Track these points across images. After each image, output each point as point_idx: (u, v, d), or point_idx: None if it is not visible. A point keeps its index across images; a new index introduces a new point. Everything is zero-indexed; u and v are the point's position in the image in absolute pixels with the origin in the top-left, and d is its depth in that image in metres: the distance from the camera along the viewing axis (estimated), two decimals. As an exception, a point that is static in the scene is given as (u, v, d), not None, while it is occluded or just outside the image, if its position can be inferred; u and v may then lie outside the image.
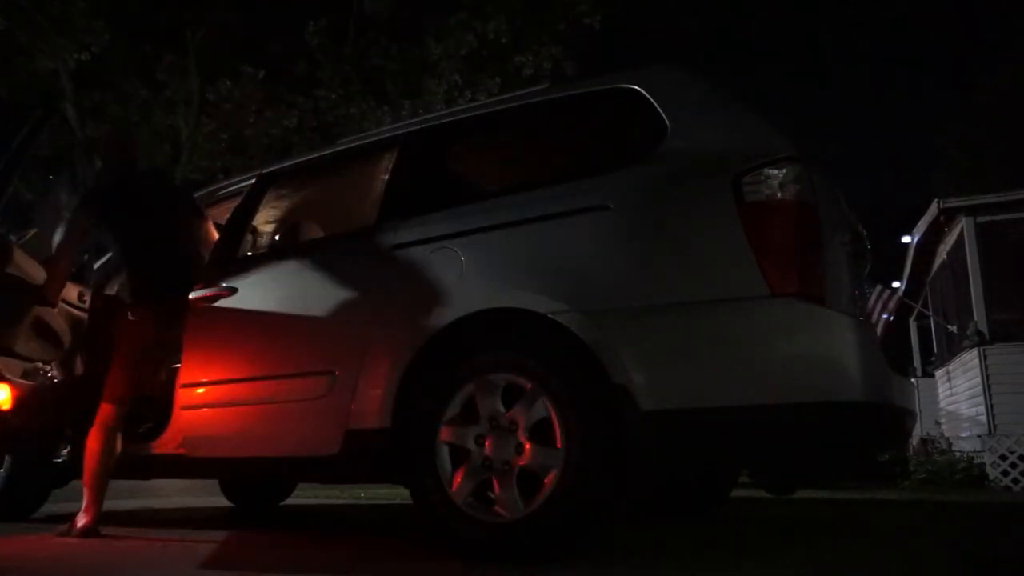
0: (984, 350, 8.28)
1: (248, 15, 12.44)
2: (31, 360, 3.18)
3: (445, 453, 2.37)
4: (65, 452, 3.34)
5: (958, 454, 8.22)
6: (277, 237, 3.63)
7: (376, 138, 3.16)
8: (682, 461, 2.49)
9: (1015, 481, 7.46)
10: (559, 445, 2.18)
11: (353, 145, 3.22)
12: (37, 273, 3.09)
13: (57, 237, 3.31)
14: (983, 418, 8.19)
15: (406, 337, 2.49)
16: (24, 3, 10.88)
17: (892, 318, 9.97)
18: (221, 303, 3.04)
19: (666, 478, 3.64)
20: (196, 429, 2.98)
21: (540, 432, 2.25)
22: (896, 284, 11.82)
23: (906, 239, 11.25)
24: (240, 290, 3.02)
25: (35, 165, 3.21)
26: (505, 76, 12.36)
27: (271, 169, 3.45)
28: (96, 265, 3.72)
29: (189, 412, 2.99)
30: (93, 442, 2.98)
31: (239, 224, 3.32)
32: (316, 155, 3.42)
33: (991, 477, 7.58)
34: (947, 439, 8.88)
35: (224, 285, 3.06)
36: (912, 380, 3.35)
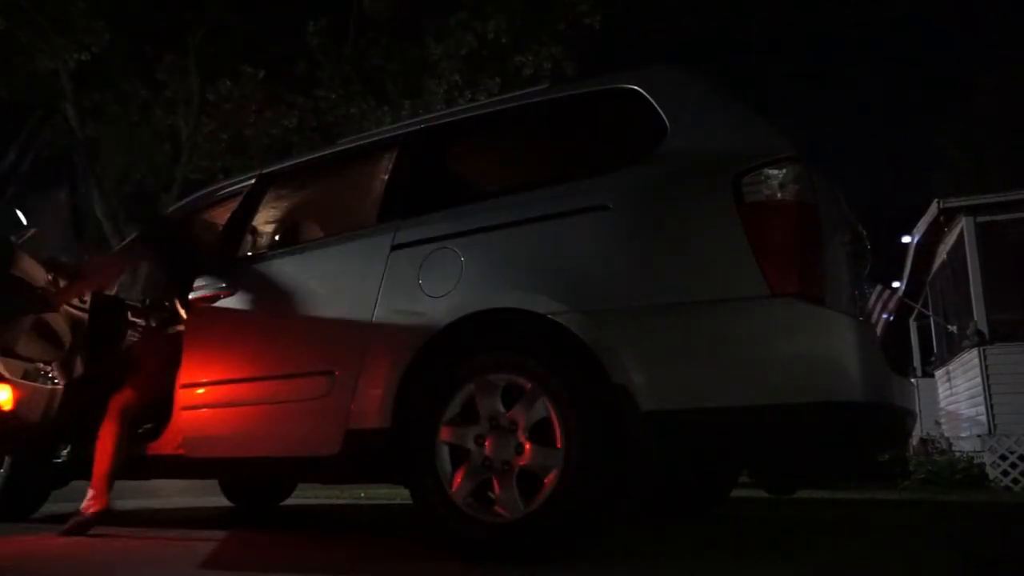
0: (984, 350, 8.28)
1: (248, 15, 12.44)
2: (32, 361, 3.19)
3: (445, 453, 2.37)
4: (65, 452, 3.34)
5: (958, 454, 8.21)
6: (277, 237, 3.63)
7: (376, 138, 3.17)
8: (682, 461, 2.50)
9: (1015, 481, 7.45)
10: (559, 445, 2.18)
11: (353, 145, 3.22)
12: (39, 274, 3.12)
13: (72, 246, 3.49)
14: (983, 418, 8.19)
15: (406, 337, 2.49)
16: (24, 3, 10.88)
17: (892, 318, 9.96)
18: (221, 303, 3.04)
19: (666, 478, 3.64)
20: (196, 429, 2.98)
21: (540, 432, 2.25)
22: (896, 284, 11.83)
23: (906, 239, 11.25)
24: (240, 290, 3.02)
25: (35, 166, 3.23)
26: (505, 76, 12.35)
27: (271, 169, 3.45)
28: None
29: (189, 412, 2.99)
30: (109, 439, 3.08)
31: (239, 224, 3.32)
32: (316, 155, 3.42)
33: (991, 477, 7.57)
34: (947, 439, 8.88)
35: (224, 285, 3.06)
36: (912, 380, 3.35)
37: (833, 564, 2.38)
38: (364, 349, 2.58)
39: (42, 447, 3.37)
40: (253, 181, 3.40)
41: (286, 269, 3.02)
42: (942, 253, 10.32)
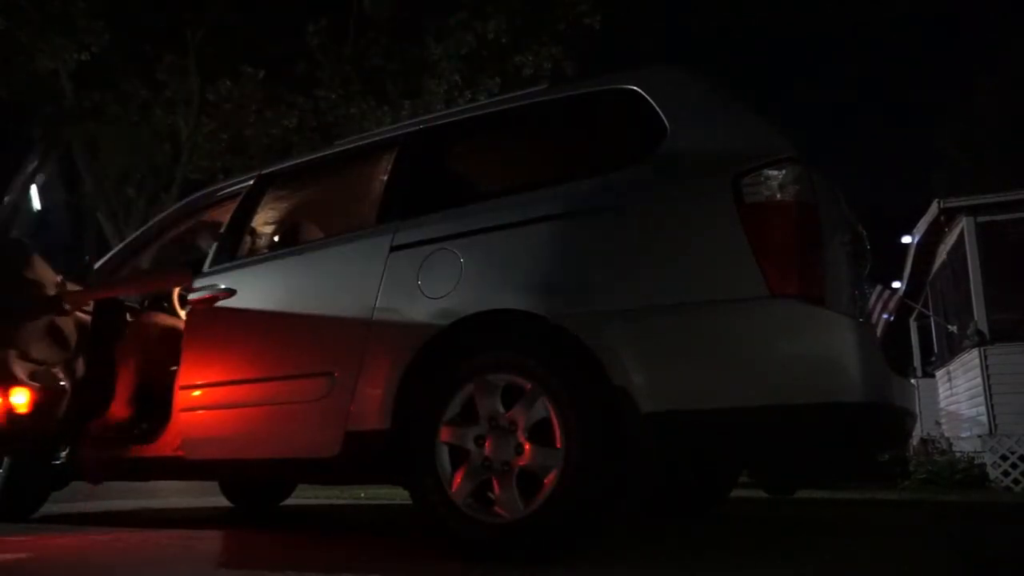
0: (984, 350, 8.27)
1: (248, 15, 12.43)
2: (42, 363, 3.23)
3: (445, 453, 2.37)
4: (64, 454, 3.34)
5: (958, 454, 8.21)
6: (276, 238, 3.63)
7: (375, 138, 3.16)
8: (682, 462, 2.49)
9: (1016, 481, 7.45)
10: (559, 445, 2.18)
11: (352, 146, 3.22)
12: (51, 277, 3.19)
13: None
14: (983, 418, 8.19)
15: (405, 338, 2.49)
16: (24, 3, 10.88)
17: (892, 318, 9.97)
18: (220, 304, 3.04)
19: (666, 478, 3.64)
20: (195, 431, 2.98)
21: (540, 432, 2.25)
22: (896, 284, 11.82)
23: (906, 239, 11.25)
24: (239, 291, 3.02)
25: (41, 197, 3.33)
26: (505, 76, 12.35)
27: (270, 170, 3.45)
28: (96, 265, 3.73)
29: (188, 414, 2.99)
30: None
31: (238, 225, 3.32)
32: (315, 156, 3.42)
33: (992, 477, 7.57)
34: (947, 439, 8.87)
35: (223, 286, 3.06)
36: (912, 380, 3.35)
37: (833, 564, 2.38)
38: (364, 350, 2.57)
39: (45, 448, 3.38)
40: (252, 182, 3.40)
41: (285, 270, 3.02)
42: (942, 253, 10.32)
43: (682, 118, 2.38)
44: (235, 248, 3.26)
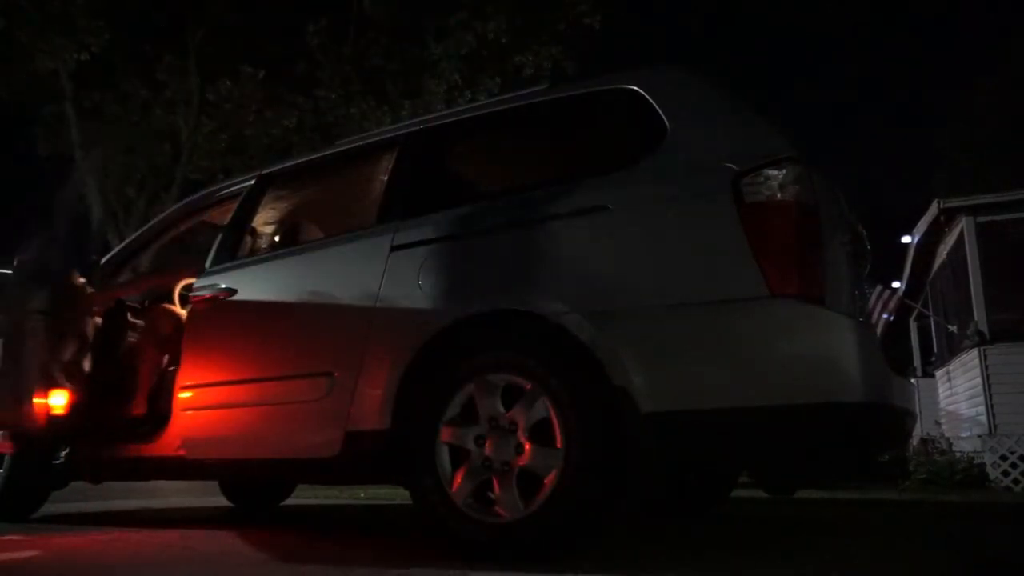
0: (984, 350, 8.27)
1: (248, 15, 12.43)
2: (71, 363, 3.37)
3: (445, 454, 2.37)
4: (63, 454, 3.35)
5: (958, 454, 8.21)
6: (277, 238, 3.63)
7: (376, 139, 3.16)
8: (682, 462, 2.49)
9: (1016, 481, 7.45)
10: (559, 445, 2.18)
11: (353, 146, 3.22)
12: (81, 281, 3.44)
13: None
14: (983, 418, 8.19)
15: (405, 338, 2.49)
16: (24, 3, 10.88)
17: (892, 318, 9.97)
18: (220, 305, 3.04)
19: (666, 478, 3.64)
20: (195, 431, 2.99)
21: (540, 432, 2.25)
22: (896, 284, 11.82)
23: (906, 239, 11.25)
24: (239, 291, 3.02)
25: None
26: (505, 76, 12.36)
27: (270, 170, 3.45)
28: (103, 260, 3.76)
29: (188, 414, 2.99)
30: None
31: (238, 225, 3.32)
32: (315, 156, 3.42)
33: (992, 477, 7.57)
34: (947, 439, 8.87)
35: (224, 286, 3.06)
36: (912, 380, 3.35)
37: (833, 564, 2.38)
38: (364, 350, 2.57)
39: (47, 448, 3.39)
40: (252, 182, 3.40)
41: (286, 270, 3.02)
42: (942, 253, 10.32)
43: (682, 118, 2.38)
44: (236, 248, 3.26)
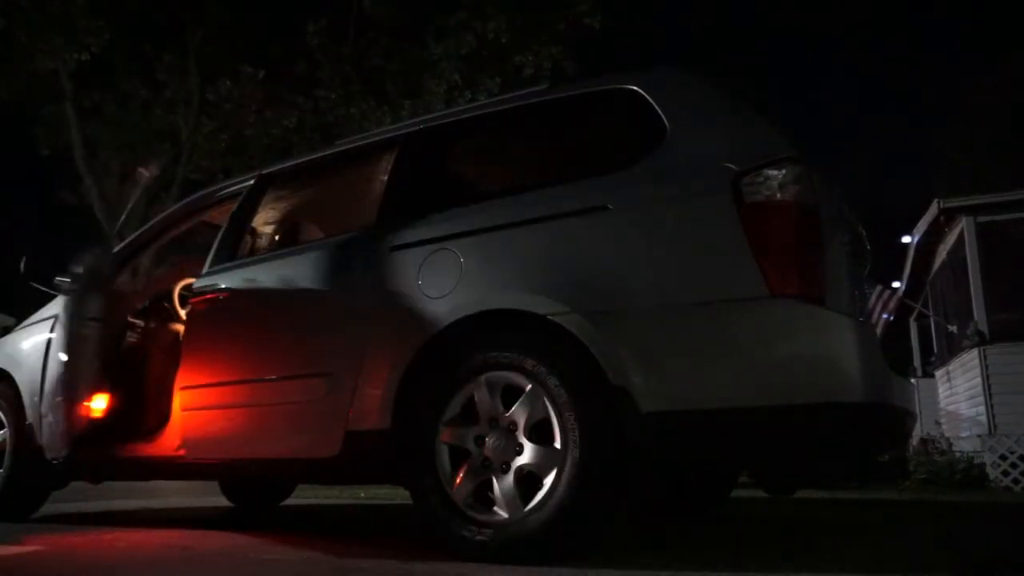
0: (984, 350, 8.28)
1: (248, 15, 12.43)
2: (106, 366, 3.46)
3: (445, 454, 2.37)
4: (64, 454, 3.34)
5: (958, 454, 8.21)
6: (276, 238, 3.63)
7: (375, 138, 3.16)
8: (682, 462, 2.49)
9: (1015, 481, 7.45)
10: (559, 445, 2.18)
11: (352, 146, 3.22)
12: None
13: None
14: (983, 418, 8.19)
15: (405, 338, 2.49)
16: (24, 3, 10.87)
17: (892, 318, 9.96)
18: (220, 305, 3.04)
19: (666, 478, 3.64)
20: (196, 431, 2.99)
21: (540, 432, 2.25)
22: (896, 284, 11.82)
23: (906, 239, 11.25)
24: (239, 292, 3.02)
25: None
26: (505, 76, 12.34)
27: (271, 170, 3.45)
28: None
29: (189, 414, 3.00)
30: None
31: (238, 225, 3.32)
32: (315, 156, 3.42)
33: (991, 477, 7.57)
34: (947, 439, 8.87)
35: (223, 286, 3.06)
36: (912, 380, 3.35)
37: (833, 564, 2.38)
38: (364, 350, 2.58)
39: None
40: (252, 182, 3.40)
41: (285, 270, 3.02)
42: (942, 253, 10.32)
43: (682, 118, 2.38)
44: (235, 248, 3.27)
